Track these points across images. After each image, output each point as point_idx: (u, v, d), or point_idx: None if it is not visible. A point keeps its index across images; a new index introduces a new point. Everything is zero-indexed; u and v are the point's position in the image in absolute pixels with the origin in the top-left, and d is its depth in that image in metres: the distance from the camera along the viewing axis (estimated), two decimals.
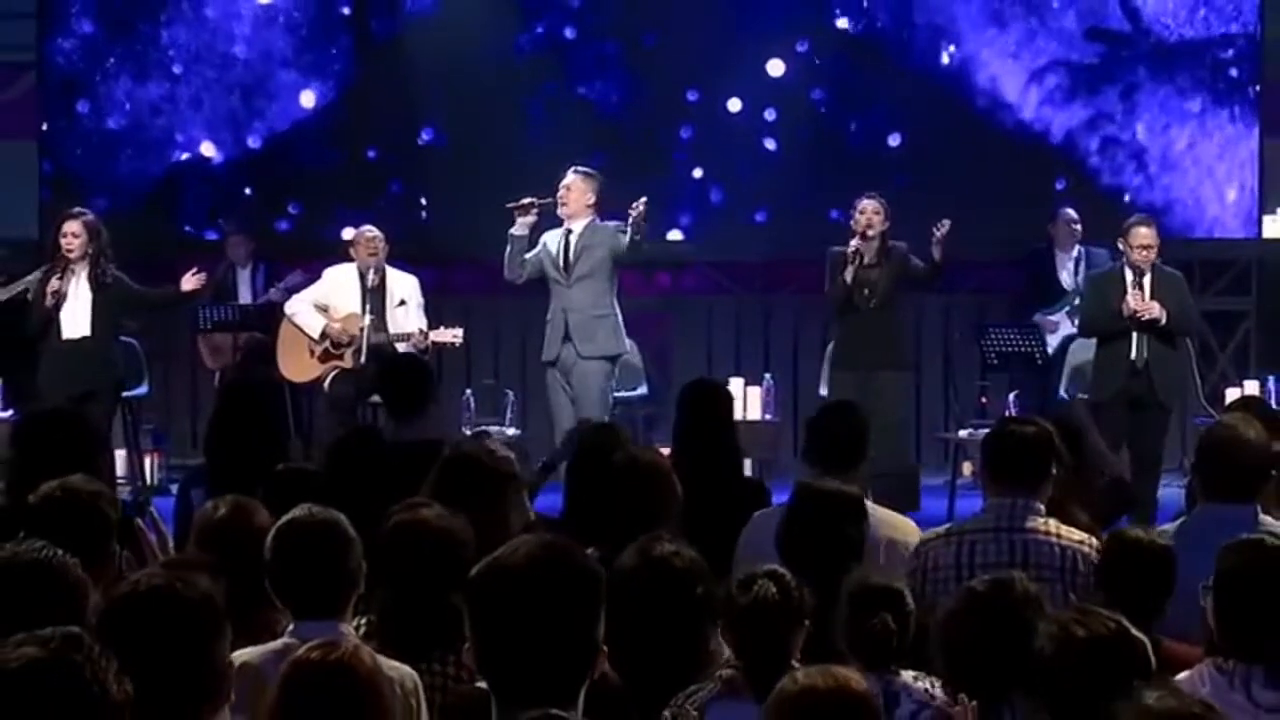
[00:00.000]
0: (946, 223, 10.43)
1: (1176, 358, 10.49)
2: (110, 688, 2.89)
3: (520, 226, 10.58)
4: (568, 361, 10.50)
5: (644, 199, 10.38)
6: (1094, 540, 5.58)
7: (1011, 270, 13.14)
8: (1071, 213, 12.41)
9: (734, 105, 13.52)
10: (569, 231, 10.58)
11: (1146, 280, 10.21)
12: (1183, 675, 4.29)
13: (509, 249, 10.62)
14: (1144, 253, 10.19)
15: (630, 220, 10.33)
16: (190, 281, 10.93)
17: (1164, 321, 10.15)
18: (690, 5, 13.51)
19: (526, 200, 10.56)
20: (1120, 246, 10.49)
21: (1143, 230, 10.30)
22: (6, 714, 2.85)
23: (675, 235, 13.38)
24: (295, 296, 11.41)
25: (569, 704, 3.21)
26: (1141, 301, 10.13)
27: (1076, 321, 11.39)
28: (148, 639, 3.51)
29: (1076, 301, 11.78)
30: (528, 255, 10.63)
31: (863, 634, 4.55)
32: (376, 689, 3.65)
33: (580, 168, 10.71)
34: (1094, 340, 10.67)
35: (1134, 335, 10.16)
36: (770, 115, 13.51)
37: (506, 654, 3.25)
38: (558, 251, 10.59)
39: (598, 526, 5.67)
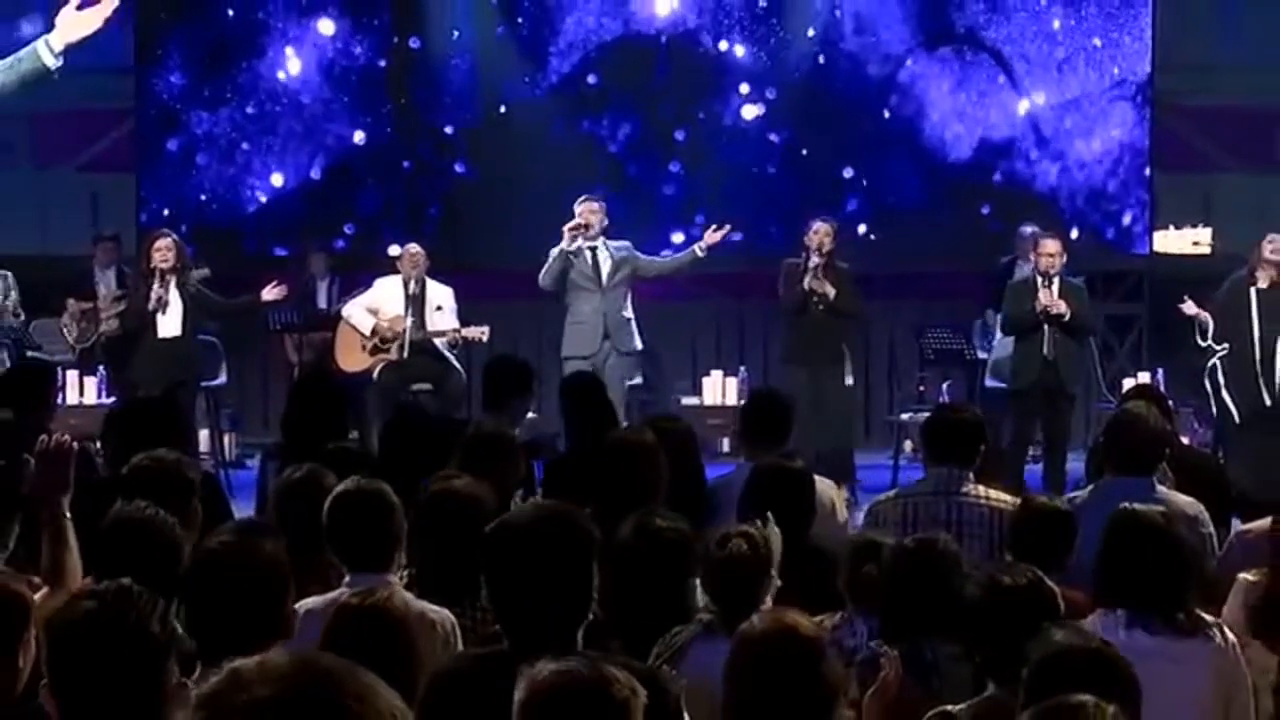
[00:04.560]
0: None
1: (1080, 352, 10.57)
2: (154, 629, 2.95)
3: (571, 243, 10.44)
4: (604, 356, 10.41)
5: (728, 226, 10.75)
6: (1017, 501, 5.57)
7: (946, 279, 13.12)
8: (1033, 230, 12.35)
9: (715, 144, 13.46)
10: (595, 248, 10.50)
11: (1055, 285, 10.27)
12: (1084, 621, 4.29)
13: (561, 262, 10.44)
14: (1049, 259, 10.27)
15: (706, 244, 10.70)
16: (271, 292, 10.86)
17: (1068, 317, 10.20)
18: (679, 59, 13.46)
19: (583, 222, 10.46)
20: (1031, 258, 10.61)
21: (1048, 242, 10.42)
22: (71, 656, 2.95)
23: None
24: (351, 301, 11.39)
25: (569, 641, 3.22)
26: (1051, 298, 10.17)
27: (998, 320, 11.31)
28: (228, 591, 3.59)
29: None
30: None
31: (856, 581, 4.57)
32: (405, 627, 3.74)
33: (596, 197, 10.68)
34: (1011, 339, 10.66)
35: (1046, 331, 10.19)
36: (745, 151, 13.46)
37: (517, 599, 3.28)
38: (590, 264, 10.50)
39: (593, 495, 5.63)
